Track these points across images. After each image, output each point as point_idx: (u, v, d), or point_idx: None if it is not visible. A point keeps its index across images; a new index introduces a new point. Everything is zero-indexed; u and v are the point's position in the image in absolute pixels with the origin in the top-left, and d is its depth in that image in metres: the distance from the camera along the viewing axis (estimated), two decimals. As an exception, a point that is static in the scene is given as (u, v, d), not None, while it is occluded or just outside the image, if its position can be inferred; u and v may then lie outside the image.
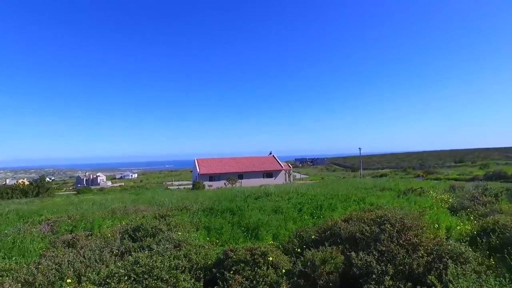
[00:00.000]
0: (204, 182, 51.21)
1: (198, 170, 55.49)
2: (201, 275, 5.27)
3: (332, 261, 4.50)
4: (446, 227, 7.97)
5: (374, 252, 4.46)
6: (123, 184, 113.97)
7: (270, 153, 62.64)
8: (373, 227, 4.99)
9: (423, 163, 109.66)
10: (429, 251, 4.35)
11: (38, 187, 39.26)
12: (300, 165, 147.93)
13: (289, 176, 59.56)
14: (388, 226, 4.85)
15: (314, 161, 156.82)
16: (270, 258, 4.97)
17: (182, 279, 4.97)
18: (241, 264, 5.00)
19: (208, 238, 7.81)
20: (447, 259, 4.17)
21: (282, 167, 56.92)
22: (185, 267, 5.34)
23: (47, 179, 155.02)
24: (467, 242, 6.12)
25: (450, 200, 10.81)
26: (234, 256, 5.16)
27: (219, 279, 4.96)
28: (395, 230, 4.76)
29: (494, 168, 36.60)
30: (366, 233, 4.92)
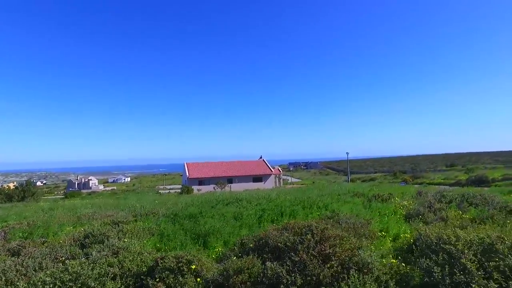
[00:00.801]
0: (193, 187, 51.24)
1: (187, 174, 55.53)
2: (131, 282, 5.36)
3: (248, 270, 4.61)
4: (394, 234, 8.13)
5: (288, 262, 4.58)
6: (115, 188, 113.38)
7: (261, 157, 62.77)
8: (295, 237, 5.11)
9: (415, 167, 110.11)
10: (340, 261, 4.48)
11: (24, 191, 38.93)
12: (294, 169, 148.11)
13: (279, 181, 59.75)
14: (309, 236, 4.98)
15: (307, 165, 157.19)
16: (193, 266, 5.08)
17: (110, 286, 5.06)
18: (166, 272, 5.11)
19: (158, 245, 7.88)
20: (354, 269, 4.32)
21: (271, 171, 57.08)
22: (116, 274, 5.43)
23: (39, 182, 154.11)
24: (405, 250, 6.32)
25: (410, 207, 10.99)
26: (161, 264, 5.27)
27: (144, 286, 5.08)
28: (315, 241, 4.88)
29: (478, 172, 36.98)
30: (287, 243, 5.04)
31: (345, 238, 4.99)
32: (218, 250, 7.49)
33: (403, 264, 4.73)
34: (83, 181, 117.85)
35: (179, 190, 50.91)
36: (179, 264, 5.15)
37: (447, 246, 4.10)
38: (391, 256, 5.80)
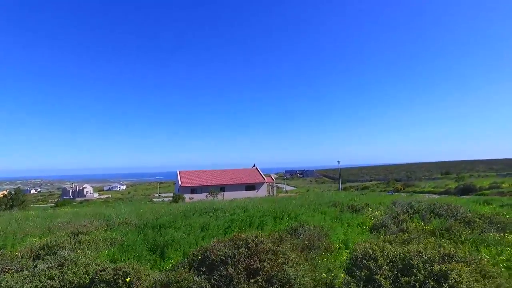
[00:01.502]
0: (186, 195, 51.06)
1: (179, 182, 55.32)
2: (70, 295, 5.33)
3: (176, 284, 4.59)
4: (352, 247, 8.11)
5: (216, 276, 4.57)
6: (110, 196, 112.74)
7: (254, 166, 62.66)
8: (229, 250, 5.10)
9: (410, 176, 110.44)
10: (267, 276, 4.46)
11: (12, 200, 38.63)
12: (290, 177, 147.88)
13: (272, 189, 59.58)
14: (242, 249, 4.97)
15: (303, 173, 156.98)
16: (128, 279, 5.06)
17: (45, 300, 5.03)
18: (102, 284, 5.08)
19: (115, 256, 7.83)
20: (278, 284, 4.31)
21: (264, 179, 56.93)
22: (55, 287, 5.40)
23: (33, 190, 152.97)
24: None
25: (380, 217, 10.98)
26: (99, 277, 5.24)
27: (80, 299, 5.05)
28: (247, 254, 4.87)
29: (468, 180, 37.06)
30: (221, 256, 5.03)
31: (279, 252, 4.97)
32: (174, 261, 7.45)
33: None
34: (77, 189, 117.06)
35: (171, 199, 50.72)
36: (115, 277, 5.13)
37: (369, 262, 4.10)
38: (340, 270, 5.79)
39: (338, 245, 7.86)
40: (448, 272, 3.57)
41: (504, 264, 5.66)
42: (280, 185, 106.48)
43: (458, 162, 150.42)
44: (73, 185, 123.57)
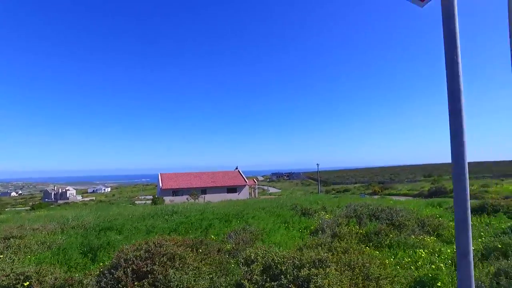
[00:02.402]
0: (166, 197, 50.78)
1: (161, 185, 54.97)
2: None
3: (68, 287, 4.59)
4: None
5: (106, 279, 4.59)
6: (94, 198, 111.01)
7: (236, 168, 62.65)
8: (132, 253, 5.12)
9: (393, 178, 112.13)
10: (154, 279, 4.50)
11: (-16, 203, 37.69)
12: (277, 179, 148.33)
13: (254, 191, 59.68)
14: (141, 253, 5.00)
15: (290, 176, 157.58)
16: (26, 283, 5.03)
17: None
18: (1, 289, 5.04)
19: (46, 260, 7.76)
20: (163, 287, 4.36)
21: (246, 182, 56.97)
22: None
23: (13, 193, 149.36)
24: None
25: (327, 221, 11.13)
26: (0, 282, 5.19)
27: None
28: (144, 257, 4.91)
29: (440, 183, 37.87)
30: (120, 259, 5.05)
31: (176, 256, 5.01)
32: (103, 264, 7.42)
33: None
34: (60, 191, 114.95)
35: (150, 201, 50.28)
36: (16, 281, 5.09)
37: (244, 266, 4.18)
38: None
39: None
40: (312, 276, 3.68)
41: (409, 265, 5.82)
42: (265, 187, 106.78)
43: (442, 164, 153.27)
44: (55, 187, 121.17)
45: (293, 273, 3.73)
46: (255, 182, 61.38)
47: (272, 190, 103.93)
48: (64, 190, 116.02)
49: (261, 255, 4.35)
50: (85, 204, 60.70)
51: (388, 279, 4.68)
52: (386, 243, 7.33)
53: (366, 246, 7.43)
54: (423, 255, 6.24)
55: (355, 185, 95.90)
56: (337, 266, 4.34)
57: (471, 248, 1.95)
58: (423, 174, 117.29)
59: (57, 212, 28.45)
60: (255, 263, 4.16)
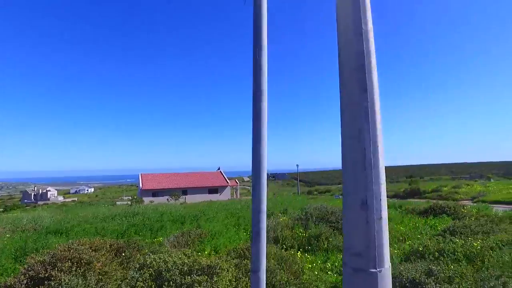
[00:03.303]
0: (146, 198, 50.23)
1: (141, 185, 54.37)
2: None
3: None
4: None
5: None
6: (76, 199, 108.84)
7: (218, 169, 62.41)
8: (42, 257, 4.97)
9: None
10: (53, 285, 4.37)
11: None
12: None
13: (235, 192, 59.61)
14: (46, 257, 4.85)
15: (275, 176, 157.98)
16: None
17: None
18: None
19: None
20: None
21: (228, 183, 56.80)
22: None
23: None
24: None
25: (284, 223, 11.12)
26: None
27: None
28: (48, 262, 4.76)
29: (415, 185, 38.50)
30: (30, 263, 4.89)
31: (82, 261, 4.87)
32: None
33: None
34: (40, 192, 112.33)
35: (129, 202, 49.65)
36: None
37: (141, 270, 4.09)
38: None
39: (209, 252, 7.87)
40: (195, 283, 3.62)
41: (336, 270, 5.83)
42: (249, 188, 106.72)
43: (424, 166, 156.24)
44: (35, 188, 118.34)
45: (178, 280, 3.66)
46: (237, 183, 61.27)
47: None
48: (44, 191, 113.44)
49: (157, 260, 4.26)
50: (64, 205, 59.47)
51: (297, 286, 4.67)
52: (324, 247, 7.33)
53: (303, 250, 7.44)
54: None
55: (338, 185, 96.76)
56: (239, 272, 4.29)
57: (264, 260, 1.91)
58: (405, 175, 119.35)
59: (29, 213, 27.77)
60: (146, 268, 4.06)
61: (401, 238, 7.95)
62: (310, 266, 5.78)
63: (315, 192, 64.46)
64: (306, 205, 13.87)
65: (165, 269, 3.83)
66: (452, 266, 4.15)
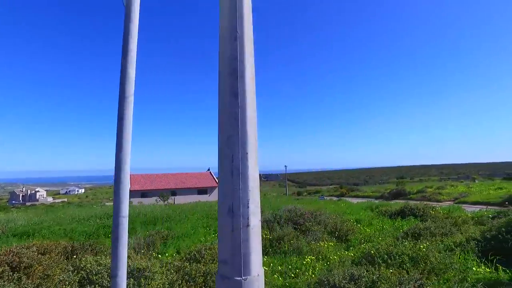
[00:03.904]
0: (133, 199, 49.92)
1: (129, 186, 53.94)
2: None
3: None
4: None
5: None
6: (66, 200, 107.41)
7: (208, 169, 62.23)
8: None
9: (367, 180, 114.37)
10: None
11: None
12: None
13: (225, 193, 59.38)
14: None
15: (267, 177, 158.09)
16: None
17: None
18: None
19: None
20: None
21: (217, 183, 56.58)
22: None
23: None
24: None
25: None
26: None
27: None
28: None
29: (405, 185, 38.80)
30: None
31: (29, 263, 4.81)
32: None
33: None
34: (28, 192, 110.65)
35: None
36: None
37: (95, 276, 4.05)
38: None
39: (171, 253, 7.83)
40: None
41: (288, 273, 5.81)
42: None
43: (415, 167, 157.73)
44: (23, 188, 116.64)
45: (105, 283, 3.63)
46: (226, 184, 61.06)
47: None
48: (33, 192, 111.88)
49: (92, 263, 4.22)
50: (51, 206, 58.71)
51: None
52: (284, 249, 7.32)
53: (264, 253, 7.41)
54: (306, 262, 6.23)
55: (330, 186, 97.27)
56: (175, 274, 4.25)
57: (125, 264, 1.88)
58: (396, 176, 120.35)
59: (10, 215, 27.40)
60: (79, 271, 4.02)
61: (362, 240, 7.98)
62: (265, 269, 5.76)
63: (305, 193, 64.63)
64: (282, 206, 13.86)
65: (95, 272, 3.79)
66: (386, 270, 4.16)
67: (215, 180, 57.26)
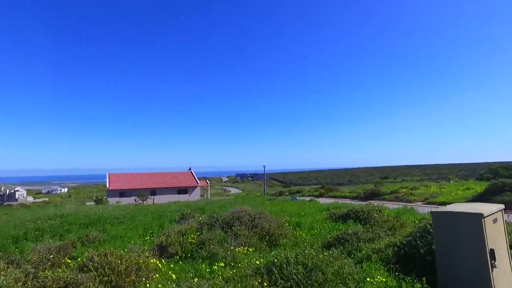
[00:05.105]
0: (112, 199, 49.08)
1: (108, 185, 53.01)
2: None
3: None
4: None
5: None
6: (47, 199, 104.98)
7: (189, 169, 61.60)
8: None
9: (351, 180, 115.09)
10: None
11: None
12: (241, 180, 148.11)
13: (206, 193, 58.97)
14: None
15: (254, 177, 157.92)
16: None
17: None
18: None
19: None
20: None
21: (198, 183, 56.11)
22: None
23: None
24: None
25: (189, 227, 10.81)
26: None
27: None
28: None
29: (381, 185, 38.94)
30: None
31: None
32: None
33: None
34: (7, 192, 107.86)
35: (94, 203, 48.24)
36: None
37: None
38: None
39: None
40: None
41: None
42: (226, 188, 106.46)
43: (399, 167, 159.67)
44: (2, 188, 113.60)
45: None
46: (207, 183, 60.61)
47: (234, 191, 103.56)
48: (12, 191, 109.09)
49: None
50: (27, 206, 57.24)
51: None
52: (203, 254, 6.99)
53: (184, 258, 7.08)
54: (213, 269, 5.93)
55: (313, 186, 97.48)
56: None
57: None
58: (381, 176, 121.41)
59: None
60: None
61: (291, 246, 7.70)
62: (175, 277, 5.43)
63: (287, 193, 64.46)
64: (234, 207, 13.57)
65: None
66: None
67: (196, 180, 56.74)
